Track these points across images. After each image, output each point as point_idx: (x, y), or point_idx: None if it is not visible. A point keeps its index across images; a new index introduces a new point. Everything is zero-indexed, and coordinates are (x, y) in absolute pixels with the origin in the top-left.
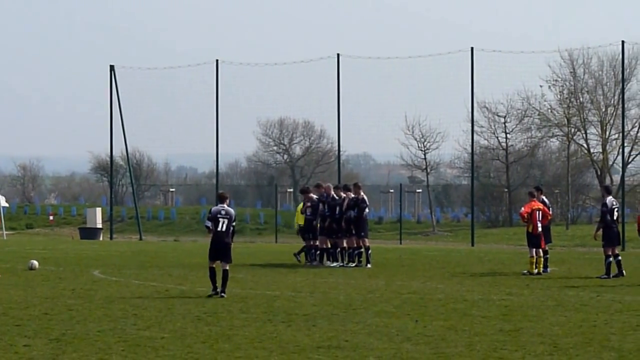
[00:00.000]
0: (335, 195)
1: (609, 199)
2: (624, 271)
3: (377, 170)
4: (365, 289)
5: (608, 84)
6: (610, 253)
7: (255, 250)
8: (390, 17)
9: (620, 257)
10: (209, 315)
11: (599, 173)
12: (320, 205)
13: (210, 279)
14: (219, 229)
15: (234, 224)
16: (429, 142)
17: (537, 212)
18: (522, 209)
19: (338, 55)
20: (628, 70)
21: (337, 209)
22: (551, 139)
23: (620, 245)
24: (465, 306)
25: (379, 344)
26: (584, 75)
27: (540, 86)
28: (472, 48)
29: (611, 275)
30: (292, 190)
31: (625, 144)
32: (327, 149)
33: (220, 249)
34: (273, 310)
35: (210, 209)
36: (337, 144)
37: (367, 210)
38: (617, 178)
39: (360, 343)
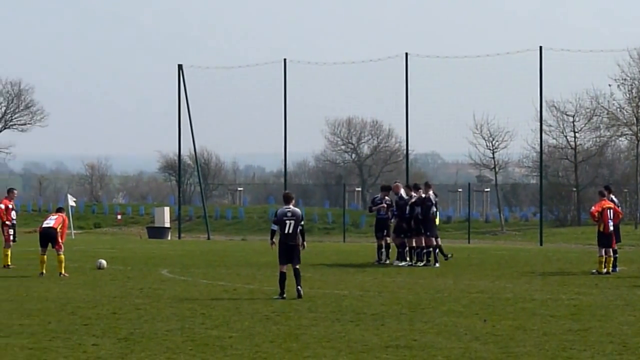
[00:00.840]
0: (404, 194)
1: None
2: None
3: (445, 170)
4: (433, 288)
5: None
6: None
7: (323, 249)
8: (458, 15)
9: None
10: (277, 315)
11: None
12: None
13: (280, 283)
14: (286, 231)
15: (302, 224)
16: (497, 141)
17: (608, 211)
18: (593, 208)
19: (406, 54)
20: None
21: (407, 208)
22: (620, 138)
23: None
24: (533, 305)
25: (448, 343)
26: None
27: (609, 85)
28: (540, 47)
29: None
30: (360, 189)
31: None
32: (395, 148)
33: (289, 251)
34: (341, 309)
35: (276, 211)
36: (405, 143)
37: (433, 209)
38: None
39: (429, 342)
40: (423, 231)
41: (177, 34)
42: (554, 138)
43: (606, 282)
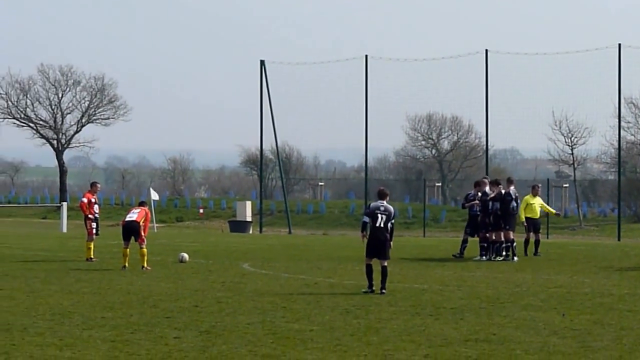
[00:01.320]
0: (487, 190)
1: None
2: None
3: (524, 165)
4: (512, 283)
5: None
6: None
7: (403, 244)
8: (538, 13)
9: None
10: (358, 308)
11: None
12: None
13: (367, 275)
14: (377, 224)
15: (392, 221)
16: (575, 137)
17: None
18: None
19: (486, 50)
20: None
21: (489, 204)
22: None
23: None
24: (611, 300)
25: (526, 337)
26: None
27: None
28: (619, 44)
29: None
30: (440, 184)
31: None
32: (474, 144)
33: (377, 245)
34: (421, 303)
35: (369, 205)
36: (485, 138)
37: (514, 204)
38: None
39: (508, 336)
40: (503, 225)
41: (259, 30)
42: (632, 134)
43: None
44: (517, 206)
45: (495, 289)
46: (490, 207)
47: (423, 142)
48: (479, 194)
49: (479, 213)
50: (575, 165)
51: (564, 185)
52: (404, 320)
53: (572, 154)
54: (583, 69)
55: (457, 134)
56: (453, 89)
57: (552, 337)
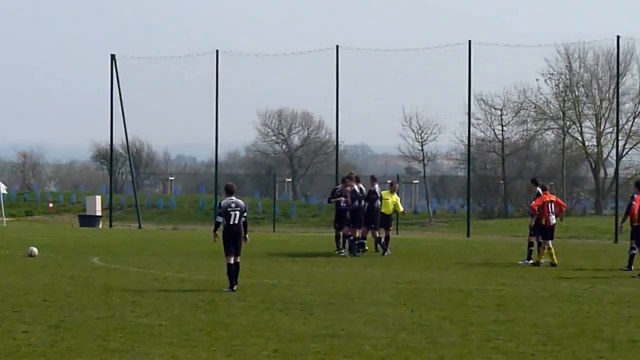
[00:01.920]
0: (356, 188)
1: None
2: (632, 266)
3: (375, 161)
4: (361, 279)
5: (603, 78)
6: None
7: (253, 239)
8: (388, 8)
9: (635, 252)
10: (207, 303)
11: (593, 166)
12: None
13: (229, 275)
14: (231, 222)
15: (245, 215)
16: (426, 133)
17: (549, 204)
18: (533, 202)
19: (337, 46)
20: (623, 65)
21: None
22: (546, 132)
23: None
24: (460, 296)
25: (375, 333)
26: (579, 69)
27: (537, 80)
28: (469, 41)
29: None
30: (290, 180)
31: (620, 138)
32: (325, 140)
33: (235, 241)
34: (270, 298)
35: (220, 203)
36: (335, 134)
37: (378, 202)
38: (611, 171)
39: (357, 332)
40: (368, 224)
41: (110, 23)
42: (482, 131)
43: (531, 274)
44: (381, 204)
45: (345, 284)
46: (352, 204)
47: (274, 138)
48: (348, 188)
49: (344, 207)
50: (425, 162)
51: (414, 182)
52: (253, 316)
53: (422, 150)
54: (434, 66)
55: (308, 129)
56: (304, 84)
57: (401, 333)
